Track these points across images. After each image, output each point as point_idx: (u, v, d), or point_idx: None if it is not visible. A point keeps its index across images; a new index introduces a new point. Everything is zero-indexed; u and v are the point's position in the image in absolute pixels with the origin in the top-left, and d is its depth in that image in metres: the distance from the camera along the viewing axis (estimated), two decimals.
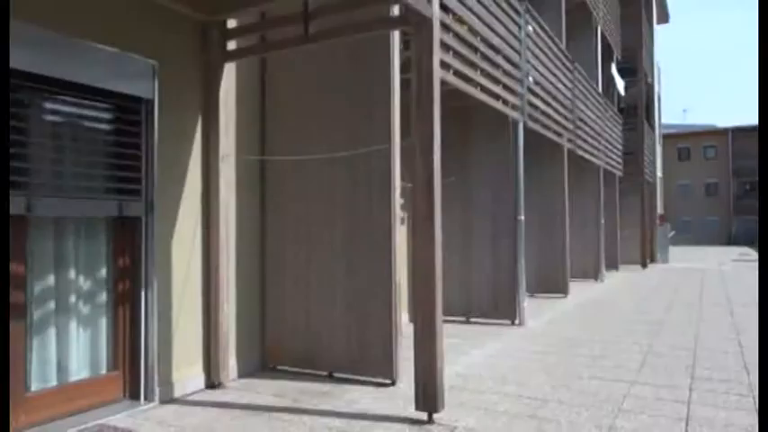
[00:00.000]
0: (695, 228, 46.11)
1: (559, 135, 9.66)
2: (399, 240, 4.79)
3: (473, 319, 7.74)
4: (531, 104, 8.03)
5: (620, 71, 16.31)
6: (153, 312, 4.28)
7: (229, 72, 4.84)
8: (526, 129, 8.23)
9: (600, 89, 13.37)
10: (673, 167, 45.40)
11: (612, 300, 10.04)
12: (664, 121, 28.64)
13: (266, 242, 5.26)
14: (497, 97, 6.81)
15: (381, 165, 4.67)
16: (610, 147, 14.12)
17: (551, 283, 10.37)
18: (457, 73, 5.66)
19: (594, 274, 13.10)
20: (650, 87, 18.71)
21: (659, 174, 20.75)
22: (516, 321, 7.49)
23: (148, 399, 4.27)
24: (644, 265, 16.46)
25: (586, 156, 11.71)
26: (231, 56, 4.70)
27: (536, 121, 8.33)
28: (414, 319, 3.94)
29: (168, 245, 4.40)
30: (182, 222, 4.50)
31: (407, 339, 4.30)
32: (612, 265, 15.60)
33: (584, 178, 13.04)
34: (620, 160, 15.44)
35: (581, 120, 11.12)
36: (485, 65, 6.30)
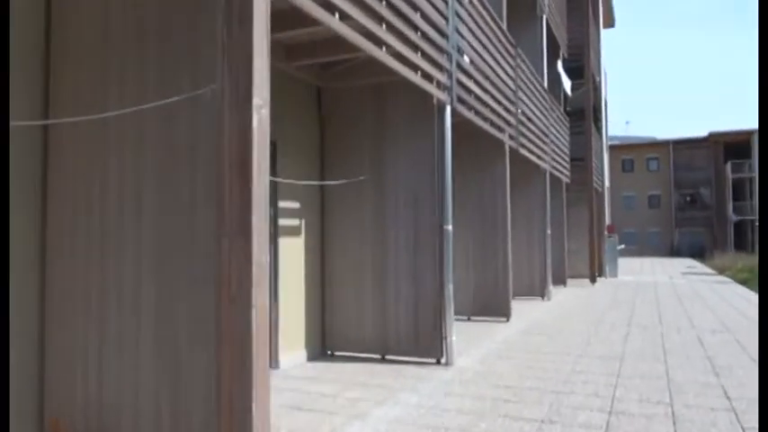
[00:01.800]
0: (639, 239, 46.12)
1: (500, 130, 8.16)
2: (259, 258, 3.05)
3: (390, 357, 6.07)
4: (463, 86, 6.46)
5: (566, 71, 15.12)
6: None
7: None
8: (459, 118, 6.66)
9: (545, 87, 12.03)
10: (617, 179, 45.34)
11: (561, 324, 8.57)
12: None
13: (48, 255, 3.43)
14: (416, 68, 5.19)
15: (208, 123, 2.90)
16: (557, 150, 12.81)
17: (491, 305, 8.82)
18: (346, 18, 3.99)
19: (541, 292, 11.69)
20: (597, 90, 17.67)
21: (607, 183, 19.77)
22: (442, 360, 5.84)
23: None
24: (593, 280, 15.23)
25: (532, 157, 10.29)
26: None
27: (470, 107, 6.77)
28: (215, 386, 2.18)
29: None
30: None
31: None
32: (560, 281, 14.28)
33: (528, 183, 11.63)
34: (567, 165, 14.18)
35: (525, 116, 9.68)
36: (394, 19, 4.66)
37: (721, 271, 21.58)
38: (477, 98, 6.97)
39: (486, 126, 7.43)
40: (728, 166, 42.95)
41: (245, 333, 2.01)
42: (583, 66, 15.60)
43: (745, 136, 42.11)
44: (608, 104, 21.35)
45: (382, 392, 4.79)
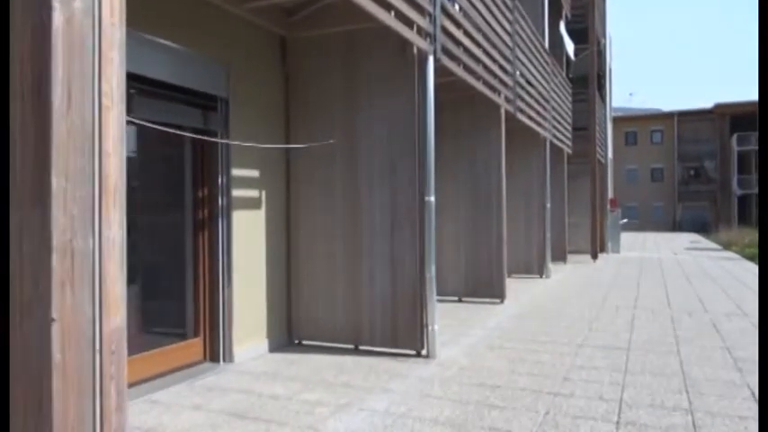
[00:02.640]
0: (641, 213, 45.34)
1: (495, 91, 7.30)
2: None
3: (365, 348, 5.32)
4: (450, 36, 5.60)
5: (568, 33, 14.15)
6: None
7: None
8: (447, 78, 5.84)
9: (547, 48, 11.10)
10: (620, 152, 44.35)
11: (560, 306, 7.82)
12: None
13: None
14: (387, 6, 4.33)
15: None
16: (558, 117, 11.93)
17: (484, 286, 8.06)
18: None
19: (539, 269, 10.94)
20: (602, 55, 16.69)
21: (610, 155, 18.89)
22: (423, 352, 5.09)
23: None
24: (594, 256, 14.48)
25: (531, 124, 9.43)
26: None
27: (459, 62, 5.91)
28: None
29: None
30: None
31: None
32: (560, 257, 13.54)
33: (527, 153, 10.79)
34: (569, 135, 13.31)
35: (524, 77, 8.80)
36: None
37: (727, 246, 20.84)
38: (467, 51, 6.11)
39: (478, 85, 6.58)
40: (734, 139, 41.96)
41: (40, 361, 1.23)
42: (587, 28, 14.61)
43: (752, 107, 40.90)
44: (612, 73, 20.35)
45: (347, 394, 4.05)
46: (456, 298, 8.20)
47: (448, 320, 6.65)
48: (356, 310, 5.30)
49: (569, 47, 13.62)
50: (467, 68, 6.21)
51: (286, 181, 5.55)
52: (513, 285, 9.62)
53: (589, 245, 15.80)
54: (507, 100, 7.89)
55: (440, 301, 8.08)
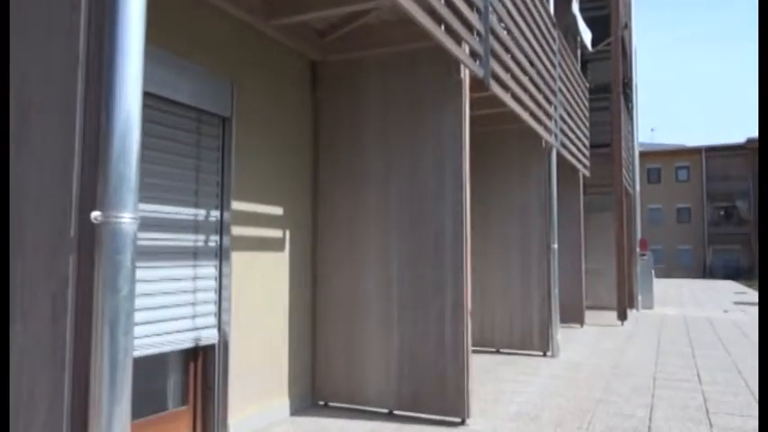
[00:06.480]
0: (667, 258, 41.22)
1: (450, 33, 3.82)
2: None
3: None
4: None
5: (585, 21, 10.77)
6: None
7: None
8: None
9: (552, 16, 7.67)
10: (642, 190, 40.57)
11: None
12: None
13: None
14: None
15: None
16: (569, 120, 8.41)
17: (431, 392, 4.43)
18: None
19: (542, 343, 7.27)
20: (628, 55, 13.28)
21: (638, 186, 15.31)
22: None
23: None
24: (622, 316, 10.72)
25: (524, 114, 5.90)
26: None
27: None
28: None
29: None
30: None
31: None
32: (575, 318, 9.86)
33: (523, 168, 7.28)
34: (585, 150, 9.77)
35: (510, 33, 5.35)
36: None
37: None
38: None
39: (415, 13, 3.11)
40: None
41: None
42: (608, 16, 11.21)
43: None
44: (638, 88, 16.89)
45: None
46: (385, 411, 4.59)
47: None
48: None
49: (585, 35, 10.21)
50: None
51: None
52: (497, 376, 5.98)
53: (612, 297, 12.11)
54: (474, 55, 4.40)
55: (361, 414, 4.33)
